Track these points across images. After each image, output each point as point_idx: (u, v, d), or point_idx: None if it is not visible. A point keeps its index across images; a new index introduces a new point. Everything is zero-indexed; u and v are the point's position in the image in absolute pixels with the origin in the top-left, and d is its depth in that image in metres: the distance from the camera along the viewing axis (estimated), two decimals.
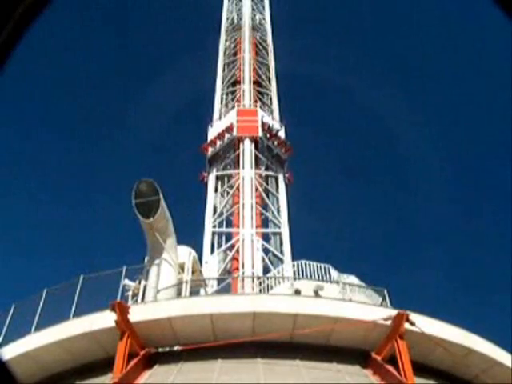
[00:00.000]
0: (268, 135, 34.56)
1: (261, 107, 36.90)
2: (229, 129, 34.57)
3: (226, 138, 34.50)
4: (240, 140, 34.22)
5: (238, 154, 33.86)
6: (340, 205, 64.13)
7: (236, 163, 33.97)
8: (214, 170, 34.26)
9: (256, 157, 33.88)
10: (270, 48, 43.89)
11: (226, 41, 43.88)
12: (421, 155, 65.12)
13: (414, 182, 66.64)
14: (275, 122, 36.32)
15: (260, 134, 34.18)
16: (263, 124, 34.54)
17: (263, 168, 34.70)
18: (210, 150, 34.76)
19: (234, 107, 36.65)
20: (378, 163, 67.59)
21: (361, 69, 62.66)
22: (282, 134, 35.35)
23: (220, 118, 37.28)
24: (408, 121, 64.28)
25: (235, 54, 42.39)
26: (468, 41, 66.47)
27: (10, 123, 62.29)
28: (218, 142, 34.68)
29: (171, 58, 76.17)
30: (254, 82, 39.44)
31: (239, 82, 39.36)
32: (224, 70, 41.45)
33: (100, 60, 68.98)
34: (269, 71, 41.78)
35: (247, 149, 33.64)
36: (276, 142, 34.77)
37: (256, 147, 34.46)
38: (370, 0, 71.21)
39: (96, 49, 70.95)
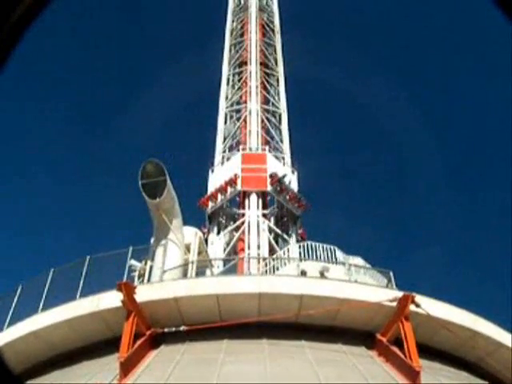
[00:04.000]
0: (278, 188, 30.19)
1: (270, 150, 32.63)
2: (232, 181, 30.04)
3: (228, 193, 30.25)
4: (245, 194, 30.19)
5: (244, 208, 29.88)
6: (343, 195, 64.43)
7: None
8: (215, 229, 30.05)
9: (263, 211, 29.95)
10: (277, 29, 43.65)
11: (232, 21, 43.69)
12: (421, 151, 65.64)
13: (416, 176, 66.94)
14: (286, 168, 31.88)
15: (269, 188, 29.93)
16: (272, 176, 29.86)
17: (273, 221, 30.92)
18: (210, 205, 30.43)
19: (238, 150, 32.40)
20: (379, 161, 67.65)
21: (362, 70, 62.67)
22: (294, 184, 31.04)
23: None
24: (410, 122, 64.52)
25: (242, 35, 42.20)
26: (468, 41, 66.36)
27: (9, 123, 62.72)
28: (220, 197, 30.37)
29: (172, 56, 76.29)
30: (261, 63, 39.26)
31: (246, 63, 39.18)
32: (231, 50, 41.32)
33: (97, 60, 68.87)
34: (275, 52, 41.57)
35: (253, 204, 29.59)
36: (288, 197, 30.31)
37: (264, 202, 30.52)
38: (374, 1, 70.89)
39: (95, 48, 70.86)
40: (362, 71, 62.21)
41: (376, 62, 66.41)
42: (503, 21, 2.67)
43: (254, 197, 29.77)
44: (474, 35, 63.63)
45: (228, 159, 32.69)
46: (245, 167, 30.58)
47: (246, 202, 29.76)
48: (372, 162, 67.87)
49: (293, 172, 32.20)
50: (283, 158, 33.42)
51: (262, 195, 30.40)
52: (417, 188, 67.92)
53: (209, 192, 30.94)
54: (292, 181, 31.09)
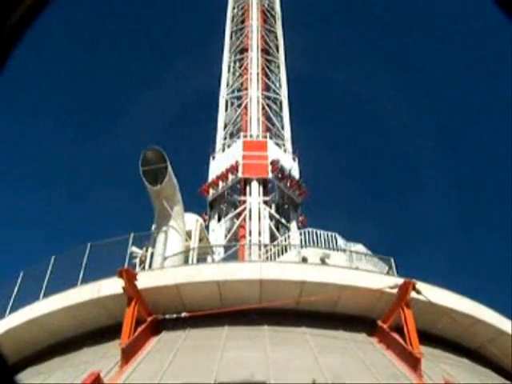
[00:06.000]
0: (280, 175, 29.78)
1: (271, 137, 32.14)
2: (233, 168, 29.84)
3: (229, 180, 29.96)
4: (246, 181, 29.87)
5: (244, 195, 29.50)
6: (344, 187, 64.59)
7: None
8: (216, 216, 29.83)
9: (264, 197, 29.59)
10: (278, 16, 43.47)
11: (233, 8, 43.49)
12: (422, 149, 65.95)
13: (417, 167, 67.09)
14: (287, 156, 31.73)
15: (270, 175, 29.62)
16: (273, 163, 29.58)
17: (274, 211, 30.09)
18: (211, 193, 30.20)
19: (239, 137, 31.94)
20: (378, 155, 67.73)
21: (364, 67, 62.47)
22: (295, 172, 30.67)
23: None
24: (411, 120, 64.74)
25: (243, 22, 42.03)
26: (468, 41, 66.20)
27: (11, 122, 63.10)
28: (221, 184, 30.09)
29: (172, 56, 76.16)
30: (262, 50, 39.12)
31: (247, 50, 39.04)
32: (231, 37, 41.16)
33: (99, 59, 68.81)
34: (277, 39, 41.42)
35: (254, 191, 29.23)
36: (288, 184, 29.91)
37: (265, 189, 30.08)
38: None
39: (96, 48, 70.72)
40: (361, 65, 61.94)
41: (376, 56, 66.21)
42: (503, 20, 2.61)
43: (254, 184, 29.51)
44: (473, 34, 63.55)
45: (229, 146, 32.41)
46: (246, 154, 30.33)
47: (247, 189, 29.62)
48: (372, 155, 67.82)
49: (294, 159, 31.91)
50: (284, 145, 33.22)
51: (263, 182, 30.06)
52: (417, 179, 68.02)
53: (210, 179, 30.68)
54: (293, 168, 30.73)
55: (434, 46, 67.32)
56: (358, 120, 69.87)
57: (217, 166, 31.23)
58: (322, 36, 60.96)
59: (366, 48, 66.23)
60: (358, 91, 63.05)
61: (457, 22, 64.39)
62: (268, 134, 32.42)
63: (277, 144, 32.41)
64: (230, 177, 29.95)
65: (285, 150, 32.45)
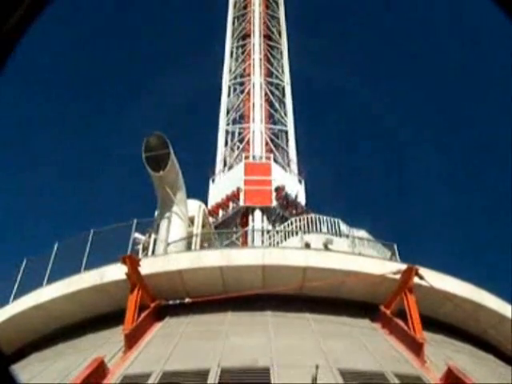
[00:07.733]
0: (285, 202, 27.99)
1: (274, 159, 30.37)
2: (234, 196, 28.04)
3: (230, 208, 28.14)
4: (248, 210, 27.84)
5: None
6: (345, 188, 64.72)
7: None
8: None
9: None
10: (281, 1, 43.27)
11: None
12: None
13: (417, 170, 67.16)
14: (293, 178, 30.17)
15: (274, 203, 27.62)
16: (278, 189, 27.78)
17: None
18: (211, 221, 26.89)
19: (241, 160, 30.11)
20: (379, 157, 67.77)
21: (364, 70, 62.28)
22: (301, 197, 28.99)
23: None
24: (409, 121, 64.78)
25: (245, 7, 41.83)
26: (468, 41, 65.89)
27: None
28: (221, 212, 28.28)
29: (174, 56, 76.00)
30: (264, 36, 39.03)
31: (249, 36, 38.94)
32: (234, 23, 40.99)
33: (101, 58, 68.71)
34: (279, 24, 41.25)
35: (257, 223, 27.07)
36: (294, 212, 27.65)
37: (268, 218, 27.87)
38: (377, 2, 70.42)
39: (98, 47, 70.61)
40: (362, 70, 61.77)
41: (377, 61, 66.00)
42: (504, 20, 2.61)
43: (257, 212, 27.71)
44: (474, 35, 63.28)
45: (230, 168, 30.88)
46: (247, 179, 28.45)
47: (250, 217, 27.95)
48: (373, 159, 68.01)
49: (300, 181, 30.57)
50: (288, 165, 31.72)
51: (267, 210, 27.96)
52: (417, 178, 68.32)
53: (209, 206, 28.63)
54: (299, 192, 29.28)
55: (434, 48, 67.09)
56: (357, 120, 69.78)
57: (217, 190, 29.59)
58: (324, 39, 60.50)
59: (368, 52, 66.01)
60: (356, 90, 62.88)
61: (457, 22, 64.22)
62: (272, 156, 30.54)
63: (279, 164, 30.89)
64: (231, 205, 28.22)
65: (290, 171, 30.86)
